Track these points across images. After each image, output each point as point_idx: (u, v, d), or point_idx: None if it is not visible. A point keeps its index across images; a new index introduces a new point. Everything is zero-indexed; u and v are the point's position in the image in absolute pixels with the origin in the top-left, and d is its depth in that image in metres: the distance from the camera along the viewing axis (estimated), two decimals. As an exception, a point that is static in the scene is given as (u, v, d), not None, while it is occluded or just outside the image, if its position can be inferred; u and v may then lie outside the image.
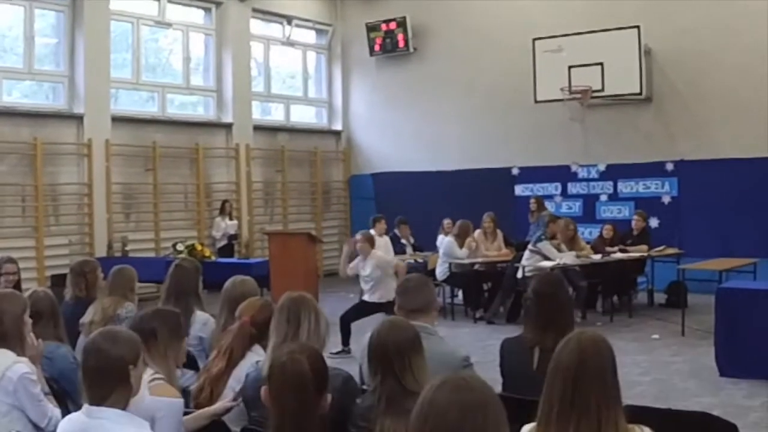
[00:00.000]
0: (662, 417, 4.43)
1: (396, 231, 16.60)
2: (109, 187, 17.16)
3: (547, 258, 13.90)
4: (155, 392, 4.31)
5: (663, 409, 4.77)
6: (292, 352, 3.90)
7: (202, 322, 6.79)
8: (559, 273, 12.72)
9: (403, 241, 16.72)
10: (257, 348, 5.12)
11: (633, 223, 15.96)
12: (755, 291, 10.67)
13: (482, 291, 15.31)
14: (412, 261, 15.94)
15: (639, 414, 3.78)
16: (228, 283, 6.26)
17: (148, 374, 4.41)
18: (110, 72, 17.41)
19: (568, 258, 14.10)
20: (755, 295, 10.41)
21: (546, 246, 14.06)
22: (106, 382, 3.74)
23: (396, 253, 15.83)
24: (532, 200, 16.93)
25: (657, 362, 11.26)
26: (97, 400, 3.73)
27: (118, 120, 17.45)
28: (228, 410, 4.75)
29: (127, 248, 16.70)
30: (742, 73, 16.62)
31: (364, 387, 4.76)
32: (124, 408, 3.76)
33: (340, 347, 11.65)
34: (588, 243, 15.51)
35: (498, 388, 5.33)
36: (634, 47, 16.96)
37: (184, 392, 5.63)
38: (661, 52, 17.65)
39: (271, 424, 3.75)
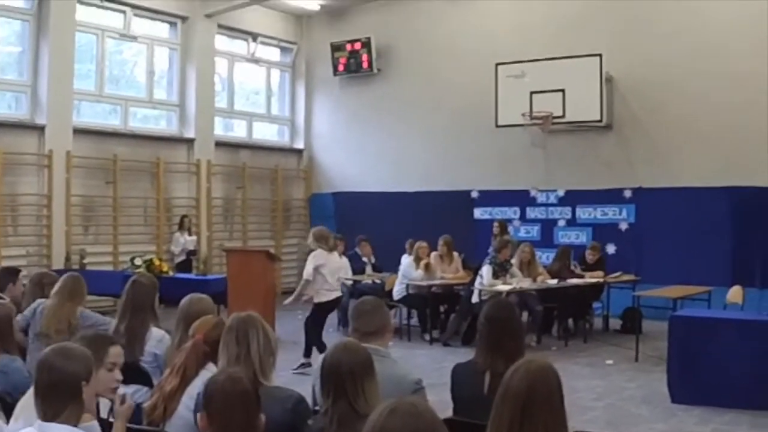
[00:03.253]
0: None
1: (357, 249, 16.64)
2: (69, 199, 17.14)
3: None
4: None
5: None
6: (229, 373, 4.01)
7: (158, 338, 6.80)
8: (511, 299, 12.96)
9: (364, 259, 16.73)
10: (211, 366, 5.10)
11: (587, 254, 16.02)
12: (708, 319, 10.79)
13: (438, 313, 15.36)
14: (370, 282, 15.96)
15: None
16: (184, 301, 6.26)
17: None
18: (73, 83, 17.40)
19: (518, 282, 14.26)
20: (707, 324, 10.54)
21: (484, 268, 14.24)
22: (59, 398, 3.78)
23: (355, 272, 15.87)
24: (496, 224, 16.96)
25: (610, 388, 11.33)
26: (50, 417, 3.75)
27: (79, 132, 17.45)
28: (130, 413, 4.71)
29: (85, 261, 16.65)
30: (701, 103, 16.86)
31: (317, 408, 4.79)
32: (75, 424, 3.78)
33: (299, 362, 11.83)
34: (545, 267, 15.63)
35: (450, 412, 5.40)
36: (596, 75, 17.18)
37: (138, 408, 5.65)
38: (623, 80, 17.88)
39: None
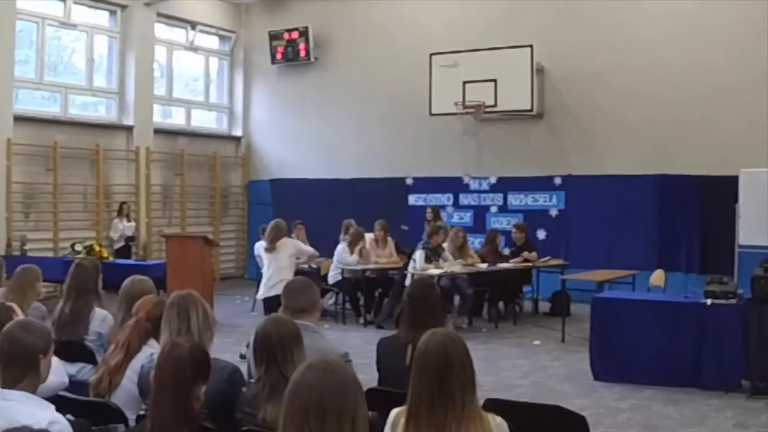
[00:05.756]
0: (519, 409, 4.87)
1: (293, 234, 16.84)
2: (10, 186, 17.14)
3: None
4: None
5: (520, 402, 5.20)
6: (174, 340, 4.38)
7: (101, 318, 7.04)
8: (443, 282, 13.43)
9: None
10: (152, 342, 5.44)
11: (513, 234, 16.52)
12: (627, 301, 11.34)
13: (373, 296, 15.67)
14: (306, 266, 16.20)
15: (499, 406, 4.23)
16: (126, 282, 6.51)
17: None
18: (14, 71, 17.42)
19: (449, 266, 14.68)
20: (627, 305, 11.09)
21: (417, 253, 14.66)
22: (19, 368, 4.11)
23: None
24: (429, 210, 17.29)
25: (536, 366, 11.80)
26: (10, 384, 4.08)
27: (20, 119, 17.43)
28: None
29: (25, 247, 16.69)
30: (629, 94, 17.38)
31: (251, 380, 5.11)
32: (33, 392, 4.11)
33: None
34: (476, 252, 16.01)
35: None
36: (527, 65, 17.53)
37: (83, 385, 5.96)
38: (553, 71, 18.31)
39: (151, 401, 4.15)
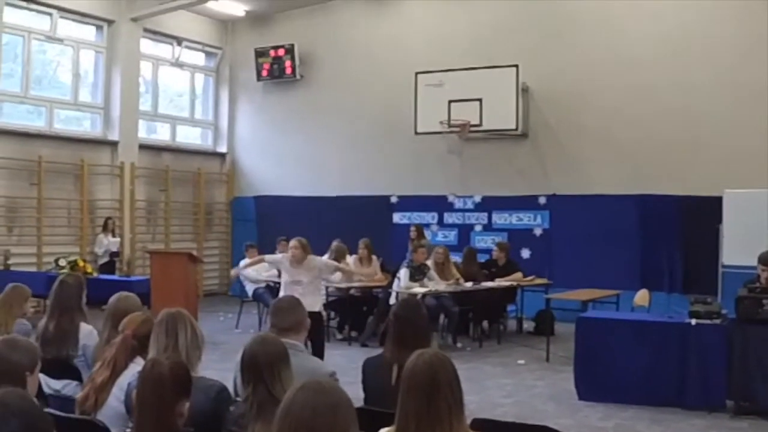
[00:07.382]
0: (506, 429, 4.87)
1: (278, 250, 16.79)
2: (-7, 200, 17.11)
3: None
4: None
5: (507, 422, 5.20)
6: (155, 358, 4.37)
7: (86, 333, 6.97)
8: (428, 301, 13.38)
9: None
10: (139, 359, 5.37)
11: (494, 254, 16.50)
12: (611, 320, 11.31)
13: (357, 315, 15.62)
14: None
15: (486, 427, 4.24)
16: (112, 299, 6.49)
17: None
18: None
19: (434, 285, 14.64)
20: (611, 325, 11.05)
21: (402, 271, 14.65)
22: (6, 385, 3.96)
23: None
24: (413, 228, 17.28)
25: (520, 386, 11.77)
26: (-6, 404, 4.05)
27: (4, 133, 17.46)
28: None
29: (9, 262, 16.63)
30: (613, 115, 17.44)
31: (238, 398, 5.09)
32: None
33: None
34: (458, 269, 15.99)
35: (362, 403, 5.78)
36: (512, 85, 17.56)
37: (68, 401, 5.94)
38: (538, 90, 18.34)
39: (134, 420, 4.16)
